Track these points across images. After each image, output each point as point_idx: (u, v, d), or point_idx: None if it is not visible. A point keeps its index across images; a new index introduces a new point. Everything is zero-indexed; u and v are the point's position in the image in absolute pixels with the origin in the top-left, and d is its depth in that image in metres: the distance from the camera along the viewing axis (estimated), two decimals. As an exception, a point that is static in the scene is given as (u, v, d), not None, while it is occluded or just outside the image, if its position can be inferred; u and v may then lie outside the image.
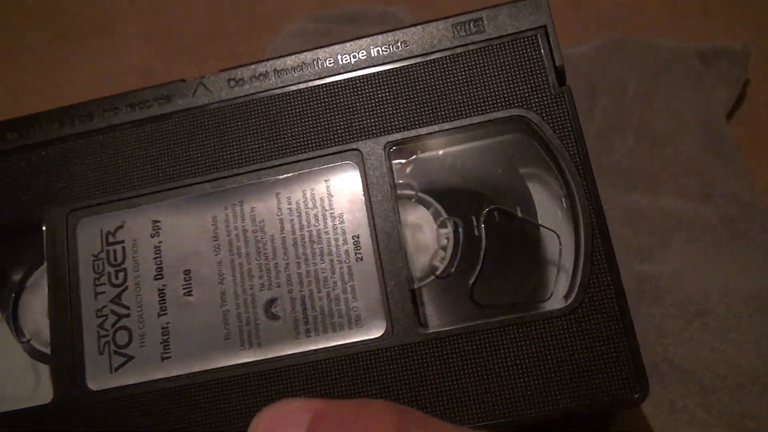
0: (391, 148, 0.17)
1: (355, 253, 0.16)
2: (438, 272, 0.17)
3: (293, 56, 0.20)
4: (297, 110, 0.18)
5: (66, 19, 0.69)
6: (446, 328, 0.16)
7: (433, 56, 0.18)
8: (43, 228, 0.17)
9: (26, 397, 0.17)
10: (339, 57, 0.19)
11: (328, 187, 0.17)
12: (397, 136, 0.17)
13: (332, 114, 0.18)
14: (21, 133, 0.18)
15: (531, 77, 0.17)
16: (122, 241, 0.17)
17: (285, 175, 0.17)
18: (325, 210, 0.17)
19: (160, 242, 0.17)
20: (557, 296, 0.16)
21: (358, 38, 0.20)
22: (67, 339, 0.17)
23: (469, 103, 0.17)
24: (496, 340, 0.15)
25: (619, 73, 0.55)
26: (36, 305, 0.18)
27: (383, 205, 0.17)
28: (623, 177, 0.49)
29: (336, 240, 0.17)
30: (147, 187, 0.17)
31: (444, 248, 0.17)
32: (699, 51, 0.56)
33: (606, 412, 0.17)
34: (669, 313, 0.41)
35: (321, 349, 0.16)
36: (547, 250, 0.16)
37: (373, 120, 0.17)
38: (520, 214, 0.17)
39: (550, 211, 0.16)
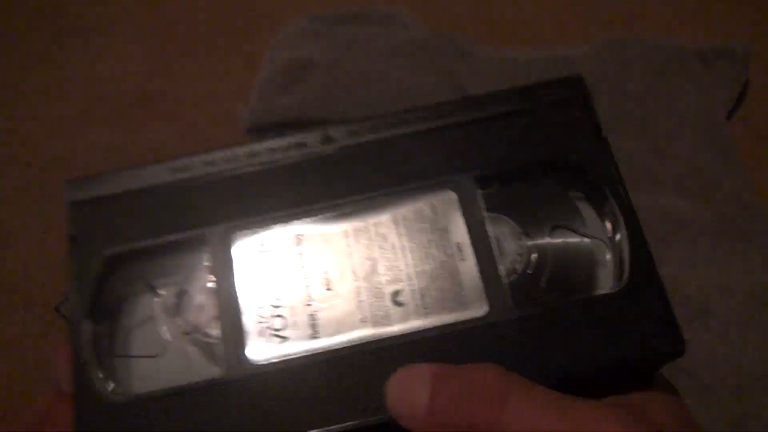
0: (480, 179, 0.24)
1: (459, 255, 0.23)
2: (519, 271, 0.24)
3: (406, 113, 0.25)
4: (409, 150, 0.24)
5: (66, 19, 0.69)
6: (534, 308, 0.22)
7: (505, 116, 0.24)
8: (207, 243, 0.23)
9: (178, 379, 0.22)
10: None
11: (434, 207, 0.23)
12: (485, 171, 0.24)
13: (436, 154, 0.24)
14: (206, 162, 0.24)
15: (578, 132, 0.24)
16: (271, 251, 0.23)
17: (400, 199, 0.23)
18: (431, 225, 0.23)
19: (303, 250, 0.23)
20: (602, 285, 0.23)
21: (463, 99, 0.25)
22: (233, 325, 0.22)
23: (534, 151, 0.24)
24: (571, 315, 0.21)
25: (619, 73, 0.55)
26: (195, 302, 0.24)
27: (476, 220, 0.23)
28: (623, 177, 0.49)
29: (443, 246, 0.23)
30: (290, 209, 0.23)
31: (520, 254, 0.24)
32: (699, 51, 0.56)
33: (654, 367, 0.23)
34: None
35: (437, 326, 0.22)
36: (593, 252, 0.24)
37: (467, 160, 0.24)
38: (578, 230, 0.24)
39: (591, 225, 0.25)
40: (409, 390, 0.19)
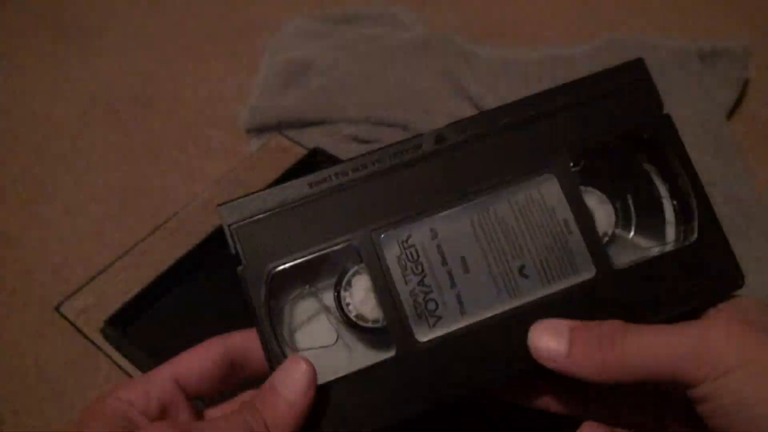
0: (572, 161, 0.28)
1: (567, 230, 0.27)
2: (609, 233, 0.28)
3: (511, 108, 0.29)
4: (511, 142, 0.28)
5: (66, 19, 0.69)
6: (630, 264, 0.26)
7: (584, 103, 0.28)
8: (356, 247, 0.26)
9: (345, 366, 0.25)
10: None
11: (540, 191, 0.27)
12: (576, 153, 0.28)
13: (533, 142, 0.28)
14: (338, 174, 0.27)
15: (645, 110, 0.28)
16: (413, 245, 0.26)
17: (512, 187, 0.27)
18: (540, 207, 0.27)
19: (439, 242, 0.26)
20: (670, 240, 0.28)
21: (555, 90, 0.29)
22: (395, 313, 0.25)
23: (611, 130, 0.28)
24: (660, 265, 0.26)
25: (619, 73, 0.55)
26: (355, 297, 0.27)
27: (575, 198, 0.27)
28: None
29: (552, 223, 0.27)
30: (421, 206, 0.27)
31: (609, 218, 0.29)
32: (699, 51, 0.56)
33: (723, 298, 0.27)
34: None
35: (557, 291, 0.26)
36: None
37: (559, 145, 0.28)
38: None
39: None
40: (551, 339, 0.24)
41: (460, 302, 0.26)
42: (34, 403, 0.41)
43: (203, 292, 0.42)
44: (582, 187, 0.27)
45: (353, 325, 0.27)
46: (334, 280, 0.27)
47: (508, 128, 0.28)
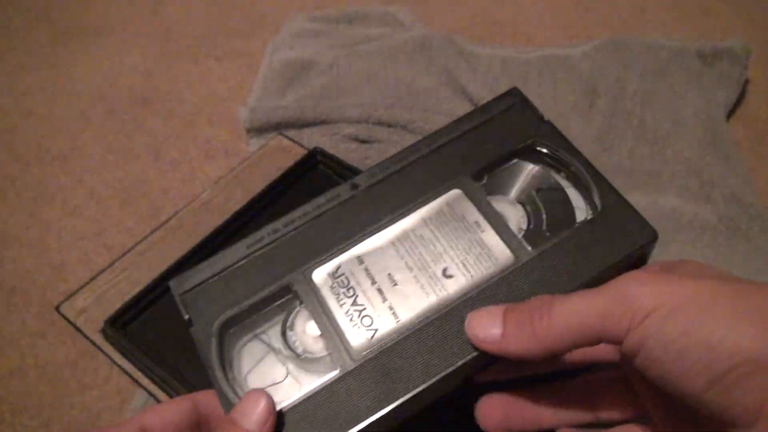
0: (473, 175, 0.32)
1: (479, 229, 0.30)
2: (524, 227, 0.31)
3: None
4: (417, 173, 0.32)
5: (66, 19, 0.69)
6: (544, 246, 0.29)
7: (476, 129, 0.33)
8: (293, 287, 0.29)
9: (297, 397, 0.26)
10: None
11: (448, 204, 0.31)
12: (475, 169, 0.32)
13: (437, 168, 0.32)
14: (272, 231, 0.31)
15: (528, 123, 0.33)
16: (343, 273, 0.29)
17: (423, 207, 0.31)
18: (451, 215, 0.30)
19: (366, 266, 0.29)
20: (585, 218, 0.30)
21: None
22: (335, 334, 0.28)
23: (502, 146, 0.32)
24: (574, 241, 0.29)
25: (619, 73, 0.55)
26: (299, 333, 0.29)
27: (481, 201, 0.31)
28: (623, 177, 0.49)
29: (464, 226, 0.30)
30: (345, 242, 0.30)
31: (519, 217, 0.31)
32: (699, 51, 0.56)
33: (642, 259, 0.29)
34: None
35: (482, 282, 0.28)
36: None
37: (459, 166, 0.32)
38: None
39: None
40: (486, 325, 0.25)
41: (393, 312, 0.28)
42: (34, 403, 0.41)
43: (203, 292, 0.42)
44: (489, 197, 0.31)
45: (301, 359, 0.29)
46: (279, 324, 0.30)
47: (413, 163, 0.32)
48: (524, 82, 0.56)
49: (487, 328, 0.25)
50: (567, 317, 0.24)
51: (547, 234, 0.30)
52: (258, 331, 0.30)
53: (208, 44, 0.64)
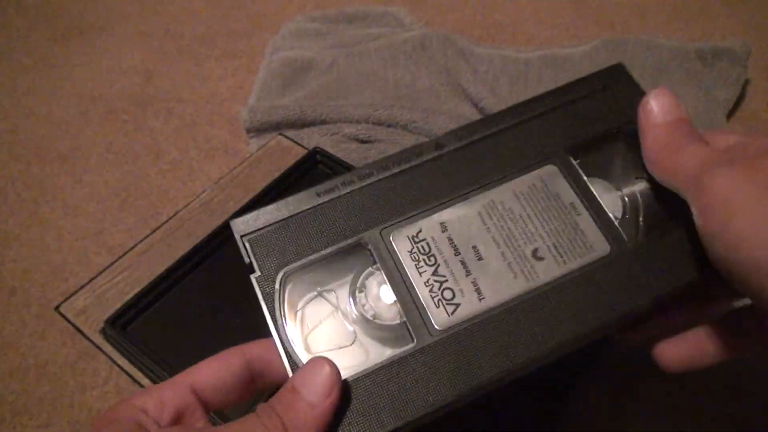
0: (571, 151, 0.29)
1: (575, 212, 0.28)
2: (619, 217, 0.29)
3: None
4: (510, 142, 0.29)
5: (66, 19, 0.69)
6: (643, 240, 0.27)
7: (576, 102, 0.30)
8: (367, 245, 0.27)
9: (363, 366, 0.25)
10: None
11: (542, 180, 0.28)
12: (574, 144, 0.29)
13: (533, 139, 0.29)
14: (345, 182, 0.28)
15: (630, 102, 0.30)
16: (424, 239, 0.27)
17: (516, 179, 0.28)
18: (545, 193, 0.28)
19: (449, 234, 0.27)
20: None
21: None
22: (413, 305, 0.26)
23: (603, 123, 0.30)
24: (673, 241, 0.27)
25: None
26: (370, 297, 0.27)
27: (579, 182, 0.28)
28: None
29: (559, 206, 0.28)
30: (427, 205, 0.28)
31: (616, 204, 0.29)
32: (699, 51, 0.56)
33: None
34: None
35: (573, 270, 0.26)
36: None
37: (557, 140, 0.29)
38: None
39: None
40: (663, 105, 0.27)
41: (477, 289, 0.26)
42: (34, 403, 0.41)
43: (203, 293, 0.42)
44: (586, 177, 0.28)
45: (371, 324, 0.27)
46: (347, 284, 0.28)
47: (504, 131, 0.29)
48: (524, 82, 0.56)
49: (663, 104, 0.26)
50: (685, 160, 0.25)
51: (642, 226, 0.28)
52: (323, 288, 0.28)
53: (208, 44, 0.64)
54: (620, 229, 0.27)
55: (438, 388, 0.24)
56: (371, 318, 0.27)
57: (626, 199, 0.29)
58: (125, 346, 0.39)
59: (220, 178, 0.49)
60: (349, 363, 0.25)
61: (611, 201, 0.29)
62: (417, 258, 0.27)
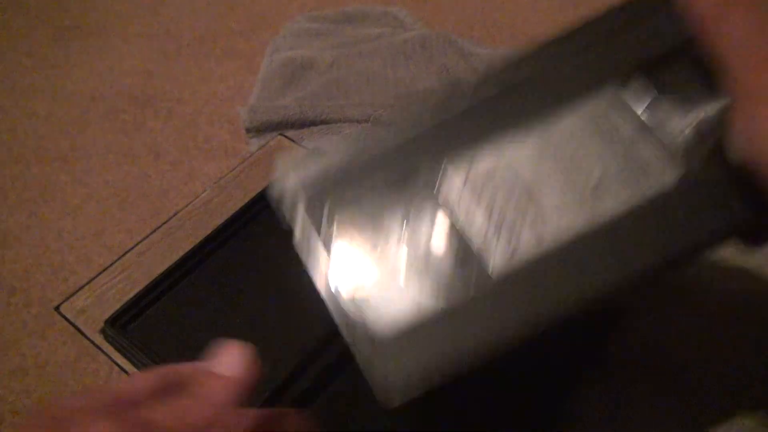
0: (631, 76, 0.27)
1: (636, 142, 0.25)
2: (688, 141, 0.26)
3: None
4: (567, 71, 0.27)
5: (66, 19, 0.69)
6: (710, 168, 0.24)
7: (641, 25, 0.27)
8: (420, 175, 0.25)
9: (413, 312, 0.23)
10: None
11: (603, 110, 0.26)
12: (633, 69, 0.27)
13: (591, 69, 0.27)
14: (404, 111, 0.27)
15: None
16: (480, 174, 0.25)
17: (574, 111, 0.26)
18: (606, 121, 0.26)
19: (507, 169, 0.25)
20: None
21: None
22: (467, 245, 0.24)
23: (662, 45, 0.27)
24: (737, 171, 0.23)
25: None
26: (423, 236, 0.25)
27: (642, 108, 0.26)
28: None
29: (621, 139, 0.25)
30: (483, 138, 0.26)
31: (683, 129, 0.26)
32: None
33: None
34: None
35: (635, 204, 0.24)
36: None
37: (615, 67, 0.27)
38: None
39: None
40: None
41: (535, 227, 0.24)
42: (34, 403, 0.41)
43: (203, 292, 0.42)
44: (648, 107, 0.26)
45: (425, 260, 0.25)
46: (399, 223, 0.26)
47: (556, 59, 0.27)
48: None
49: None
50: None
51: (712, 155, 0.26)
52: (376, 225, 0.26)
53: (208, 44, 0.64)
54: (684, 160, 0.25)
55: (496, 327, 0.23)
56: (423, 254, 0.25)
57: (697, 123, 0.27)
58: (125, 346, 0.39)
59: (220, 178, 0.49)
60: (399, 308, 0.24)
61: (676, 129, 0.26)
62: (473, 193, 0.25)
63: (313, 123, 0.54)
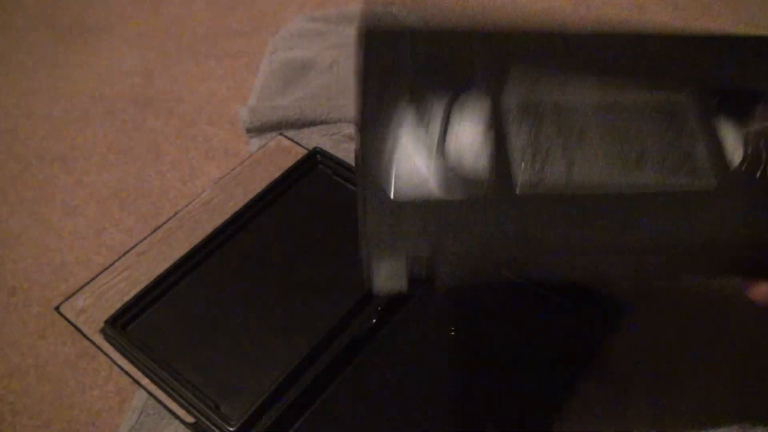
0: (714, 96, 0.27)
1: (693, 138, 0.26)
2: (736, 163, 0.26)
3: None
4: (658, 65, 0.28)
5: (66, 19, 0.69)
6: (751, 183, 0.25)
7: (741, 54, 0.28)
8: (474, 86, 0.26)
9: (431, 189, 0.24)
10: None
11: (673, 102, 0.27)
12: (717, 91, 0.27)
13: (679, 72, 0.28)
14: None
15: None
16: (536, 103, 0.26)
17: (648, 90, 0.27)
18: (672, 112, 0.26)
19: (562, 107, 0.26)
20: None
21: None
22: (501, 158, 0.24)
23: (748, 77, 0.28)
24: None
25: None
26: (462, 140, 0.25)
27: (707, 114, 0.27)
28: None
29: (680, 128, 0.26)
30: (545, 76, 0.27)
31: (739, 144, 0.26)
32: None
33: None
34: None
35: (673, 191, 0.25)
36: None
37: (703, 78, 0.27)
38: None
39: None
40: None
41: (568, 168, 0.25)
42: (34, 403, 0.41)
43: (203, 293, 0.42)
44: (718, 118, 0.27)
45: (452, 169, 0.25)
46: (450, 110, 0.27)
47: (651, 40, 0.29)
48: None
49: None
50: None
51: (758, 180, 0.26)
52: (423, 116, 0.27)
53: (208, 44, 0.64)
54: (732, 174, 0.26)
55: (502, 245, 0.23)
56: (454, 158, 0.25)
57: (750, 151, 0.27)
58: (125, 346, 0.39)
59: (220, 178, 0.49)
60: (418, 183, 0.24)
61: (734, 147, 0.27)
62: (522, 117, 0.26)
63: (313, 123, 0.54)
